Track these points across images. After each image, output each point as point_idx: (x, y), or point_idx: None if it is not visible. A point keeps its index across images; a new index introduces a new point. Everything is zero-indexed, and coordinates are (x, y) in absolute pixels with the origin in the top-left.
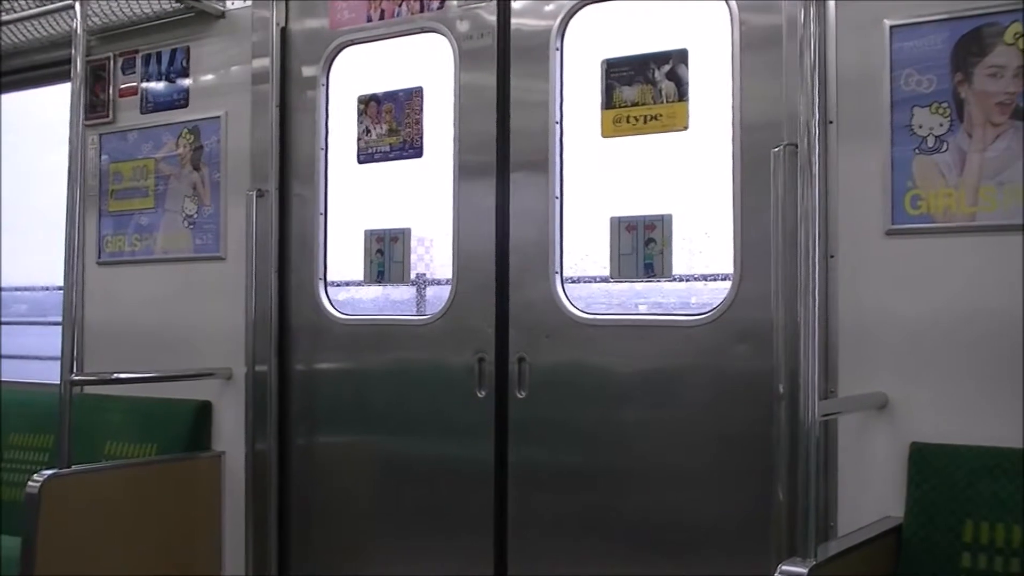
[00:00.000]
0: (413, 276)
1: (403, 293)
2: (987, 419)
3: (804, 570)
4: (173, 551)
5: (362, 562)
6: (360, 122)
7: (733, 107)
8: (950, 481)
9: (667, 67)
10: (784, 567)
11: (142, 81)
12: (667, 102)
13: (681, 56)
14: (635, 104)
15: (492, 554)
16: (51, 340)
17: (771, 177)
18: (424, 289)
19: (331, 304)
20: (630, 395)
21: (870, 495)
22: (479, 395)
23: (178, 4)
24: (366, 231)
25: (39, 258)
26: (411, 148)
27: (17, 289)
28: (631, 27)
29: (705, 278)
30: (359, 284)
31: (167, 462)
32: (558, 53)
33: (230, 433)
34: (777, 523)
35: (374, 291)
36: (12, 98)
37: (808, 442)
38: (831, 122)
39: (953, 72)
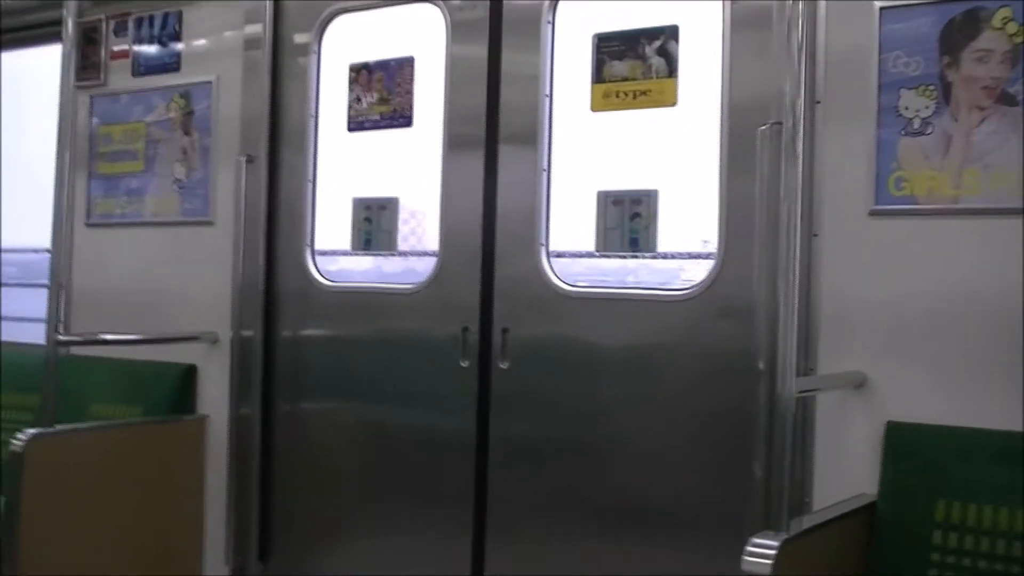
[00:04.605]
0: (401, 246)
1: (395, 265)
2: (963, 400)
3: (776, 543)
4: (156, 512)
5: (342, 528)
6: (351, 90)
7: (722, 85)
8: (924, 460)
9: (658, 43)
10: (756, 540)
11: (134, 44)
12: (657, 78)
13: (672, 32)
14: (625, 79)
15: (471, 526)
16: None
17: (756, 155)
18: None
19: (318, 271)
20: (611, 369)
21: (846, 472)
22: (462, 365)
23: None
24: (354, 199)
25: (25, 218)
26: (401, 118)
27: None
28: (623, 2)
29: (690, 255)
30: (345, 253)
31: (151, 424)
32: (550, 26)
33: (214, 397)
34: (755, 499)
35: (366, 262)
36: None
37: (784, 418)
38: (818, 102)
39: (941, 55)
